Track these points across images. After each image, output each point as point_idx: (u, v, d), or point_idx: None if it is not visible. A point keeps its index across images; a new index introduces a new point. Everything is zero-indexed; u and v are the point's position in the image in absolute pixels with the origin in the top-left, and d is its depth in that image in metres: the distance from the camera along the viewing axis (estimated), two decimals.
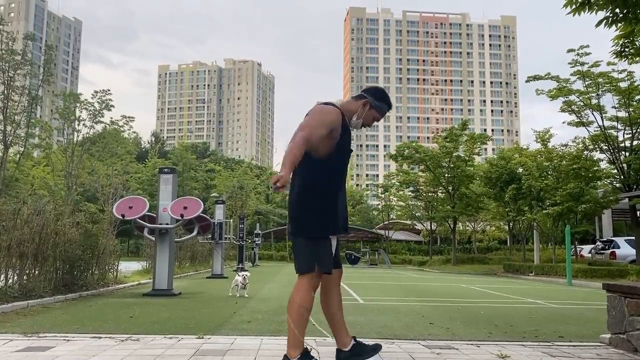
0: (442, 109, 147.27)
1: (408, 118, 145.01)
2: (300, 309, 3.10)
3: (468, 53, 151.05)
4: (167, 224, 9.23)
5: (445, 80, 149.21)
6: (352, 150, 3.47)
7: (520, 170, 24.83)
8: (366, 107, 3.40)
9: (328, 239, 3.21)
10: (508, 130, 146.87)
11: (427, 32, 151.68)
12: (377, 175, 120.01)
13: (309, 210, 3.16)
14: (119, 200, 9.63)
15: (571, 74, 21.17)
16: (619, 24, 5.84)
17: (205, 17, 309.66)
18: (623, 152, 21.08)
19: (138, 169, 43.36)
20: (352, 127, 3.42)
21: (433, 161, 30.59)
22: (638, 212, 20.51)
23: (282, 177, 2.81)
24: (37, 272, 7.75)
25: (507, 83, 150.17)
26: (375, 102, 3.42)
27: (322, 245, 3.17)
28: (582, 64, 20.77)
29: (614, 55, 6.92)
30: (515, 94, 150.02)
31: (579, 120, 21.78)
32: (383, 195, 46.54)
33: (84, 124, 27.52)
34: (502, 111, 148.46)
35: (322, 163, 3.17)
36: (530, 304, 8.89)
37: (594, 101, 21.08)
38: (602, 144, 21.43)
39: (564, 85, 21.41)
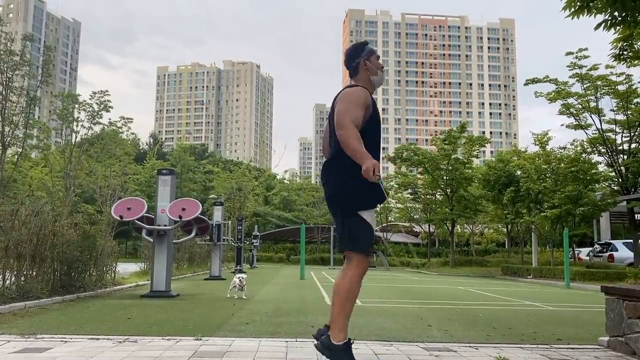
0: (441, 112, 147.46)
1: (407, 120, 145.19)
2: (349, 294, 3.19)
3: (467, 56, 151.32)
4: (165, 225, 9.21)
5: (444, 83, 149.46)
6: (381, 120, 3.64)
7: (519, 172, 24.86)
8: (368, 63, 3.52)
9: (374, 214, 3.36)
10: (506, 133, 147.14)
11: (426, 35, 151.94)
12: None
13: (361, 185, 3.24)
14: (117, 202, 9.62)
15: (570, 77, 21.24)
16: (618, 27, 5.85)
17: (204, 19, 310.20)
18: (621, 155, 21.13)
19: (136, 170, 43.32)
20: (378, 85, 3.58)
21: (431, 163, 30.60)
22: (636, 215, 20.55)
23: (375, 163, 3.01)
24: (34, 273, 7.72)
25: (505, 86, 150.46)
26: (365, 53, 3.55)
27: (373, 222, 3.31)
28: (581, 66, 20.83)
29: (613, 58, 6.93)
30: (513, 96, 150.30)
31: (577, 123, 21.83)
32: None
33: (82, 125, 27.49)
34: (500, 114, 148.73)
35: (363, 139, 3.22)
36: (528, 306, 8.89)
37: (592, 104, 21.14)
38: (600, 147, 21.48)
39: (563, 88, 21.46)
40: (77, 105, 27.70)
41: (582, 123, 21.71)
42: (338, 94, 3.43)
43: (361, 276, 3.28)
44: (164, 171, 9.78)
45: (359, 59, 3.52)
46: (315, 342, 3.33)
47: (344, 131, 3.12)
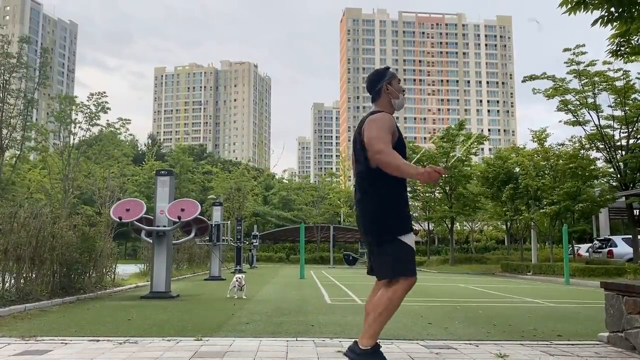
0: (439, 109, 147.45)
1: (405, 118, 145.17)
2: (389, 305, 3.21)
3: (464, 53, 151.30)
4: (164, 226, 9.20)
5: (442, 81, 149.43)
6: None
7: (517, 169, 24.85)
8: (390, 87, 3.56)
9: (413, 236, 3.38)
10: (505, 130, 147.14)
11: (423, 33, 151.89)
12: None
13: (396, 211, 3.31)
14: (116, 203, 9.61)
15: (567, 73, 21.24)
16: (615, 23, 5.85)
17: (201, 20, 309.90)
18: (619, 151, 21.14)
19: (135, 172, 43.26)
20: (400, 108, 3.65)
21: (430, 161, 30.58)
22: (635, 211, 20.56)
23: (432, 169, 3.12)
24: (34, 275, 7.72)
25: (503, 83, 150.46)
26: (387, 77, 3.59)
27: (413, 244, 3.33)
28: (578, 63, 20.83)
29: (610, 54, 6.94)
30: (511, 93, 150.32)
31: (575, 119, 21.83)
32: None
33: (80, 127, 27.43)
34: (498, 111, 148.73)
35: None
36: (528, 303, 8.90)
37: (590, 100, 21.14)
38: (598, 143, 21.49)
39: (560, 84, 21.45)
40: (74, 107, 27.62)
41: (580, 119, 21.72)
42: (362, 121, 3.45)
43: (405, 292, 3.28)
44: (162, 172, 9.77)
45: (381, 82, 3.55)
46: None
47: (382, 155, 3.17)
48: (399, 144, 3.40)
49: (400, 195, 3.37)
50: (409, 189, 36.22)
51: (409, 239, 3.30)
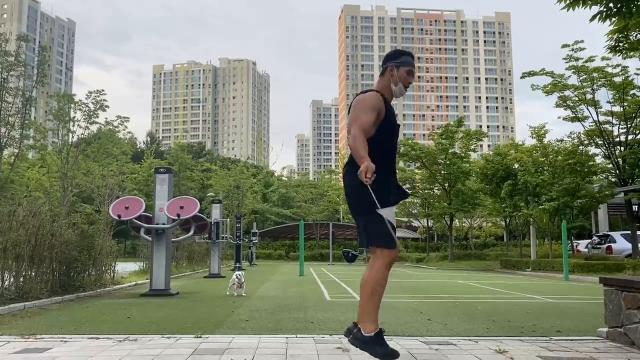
0: (438, 106, 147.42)
1: (404, 115, 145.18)
2: (375, 285, 3.27)
3: (463, 50, 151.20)
4: (163, 224, 9.20)
5: (441, 77, 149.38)
6: (399, 125, 3.67)
7: (516, 166, 24.85)
8: (394, 71, 3.55)
9: (393, 211, 3.43)
10: (503, 127, 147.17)
11: (422, 29, 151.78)
12: None
13: (376, 184, 3.28)
14: (115, 201, 9.61)
15: (566, 69, 21.22)
16: (613, 19, 5.85)
17: (199, 19, 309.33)
18: (618, 147, 21.15)
19: (134, 170, 43.19)
20: (398, 95, 3.62)
21: (429, 158, 30.59)
22: (634, 207, 20.60)
23: (369, 166, 3.04)
24: (33, 273, 7.71)
25: (502, 79, 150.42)
26: (398, 61, 3.57)
27: (390, 218, 3.37)
28: (577, 59, 20.82)
29: (609, 50, 6.94)
30: (510, 90, 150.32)
31: (574, 115, 21.84)
32: None
33: (78, 125, 27.36)
34: (497, 107, 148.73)
35: (376, 143, 3.34)
36: (527, 299, 8.92)
37: (588, 96, 21.14)
38: (597, 139, 21.49)
39: (559, 80, 21.45)
40: (72, 105, 27.54)
41: (579, 115, 21.72)
42: (353, 100, 3.54)
43: (387, 267, 3.34)
44: (161, 170, 9.76)
45: (390, 62, 3.57)
46: (346, 338, 3.41)
47: (350, 136, 3.27)
48: (387, 123, 3.44)
49: (382, 169, 3.33)
50: (407, 185, 36.43)
51: (387, 212, 3.35)
